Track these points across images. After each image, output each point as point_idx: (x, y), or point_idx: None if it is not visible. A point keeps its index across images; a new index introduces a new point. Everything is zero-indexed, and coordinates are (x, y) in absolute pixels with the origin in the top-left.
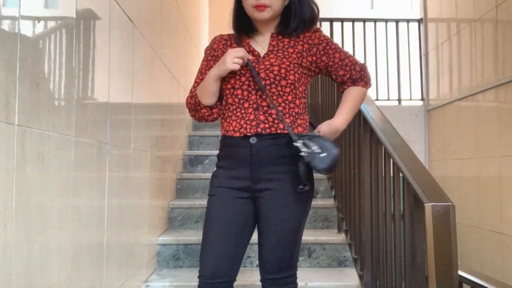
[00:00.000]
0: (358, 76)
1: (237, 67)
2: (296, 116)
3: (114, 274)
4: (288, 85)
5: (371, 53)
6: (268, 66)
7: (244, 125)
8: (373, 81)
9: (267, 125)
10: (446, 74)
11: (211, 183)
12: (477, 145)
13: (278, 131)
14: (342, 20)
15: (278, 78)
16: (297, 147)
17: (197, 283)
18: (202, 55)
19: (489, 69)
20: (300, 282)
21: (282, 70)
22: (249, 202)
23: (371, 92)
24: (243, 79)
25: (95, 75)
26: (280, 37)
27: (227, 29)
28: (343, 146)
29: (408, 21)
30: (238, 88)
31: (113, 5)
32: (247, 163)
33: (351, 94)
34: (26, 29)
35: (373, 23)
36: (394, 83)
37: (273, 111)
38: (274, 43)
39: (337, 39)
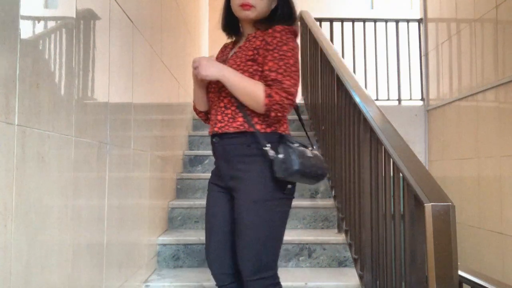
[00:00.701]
0: (269, 84)
1: (194, 76)
2: (252, 114)
3: (114, 274)
4: None
5: (371, 53)
6: None
7: (212, 125)
8: (373, 81)
9: (223, 124)
10: (446, 74)
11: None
12: (477, 145)
13: (231, 130)
14: (342, 20)
15: None
16: (265, 150)
17: (197, 283)
18: (202, 55)
19: (489, 69)
20: (300, 282)
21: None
22: (229, 199)
23: (371, 92)
24: (211, 83)
25: (95, 75)
26: (251, 37)
27: None
28: (343, 146)
29: (408, 21)
30: (210, 92)
31: (113, 5)
32: (217, 161)
33: (253, 81)
34: (26, 29)
35: (373, 23)
36: (394, 83)
37: (229, 111)
38: (242, 44)
39: (337, 39)
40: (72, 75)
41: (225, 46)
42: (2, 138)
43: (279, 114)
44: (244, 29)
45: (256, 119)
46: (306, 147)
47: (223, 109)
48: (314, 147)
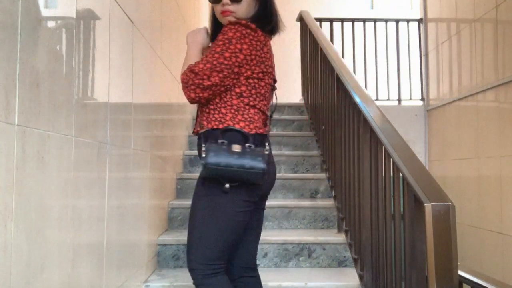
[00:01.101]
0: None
1: (206, 33)
2: (207, 115)
3: (114, 274)
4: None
5: (371, 53)
6: None
7: None
8: (373, 81)
9: (196, 123)
10: (446, 74)
11: None
12: (477, 145)
13: (195, 131)
14: (342, 20)
15: None
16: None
17: None
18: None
19: (489, 69)
20: (300, 282)
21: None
22: None
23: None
24: None
25: (95, 75)
26: None
27: None
28: (343, 146)
29: (408, 21)
30: None
31: (113, 5)
32: None
33: (189, 63)
34: (26, 29)
35: (373, 23)
36: (394, 83)
37: (199, 113)
38: None
39: (337, 39)
40: (72, 75)
41: None
42: (2, 138)
43: (192, 94)
44: None
45: (211, 117)
46: (242, 143)
47: (198, 111)
48: (249, 145)
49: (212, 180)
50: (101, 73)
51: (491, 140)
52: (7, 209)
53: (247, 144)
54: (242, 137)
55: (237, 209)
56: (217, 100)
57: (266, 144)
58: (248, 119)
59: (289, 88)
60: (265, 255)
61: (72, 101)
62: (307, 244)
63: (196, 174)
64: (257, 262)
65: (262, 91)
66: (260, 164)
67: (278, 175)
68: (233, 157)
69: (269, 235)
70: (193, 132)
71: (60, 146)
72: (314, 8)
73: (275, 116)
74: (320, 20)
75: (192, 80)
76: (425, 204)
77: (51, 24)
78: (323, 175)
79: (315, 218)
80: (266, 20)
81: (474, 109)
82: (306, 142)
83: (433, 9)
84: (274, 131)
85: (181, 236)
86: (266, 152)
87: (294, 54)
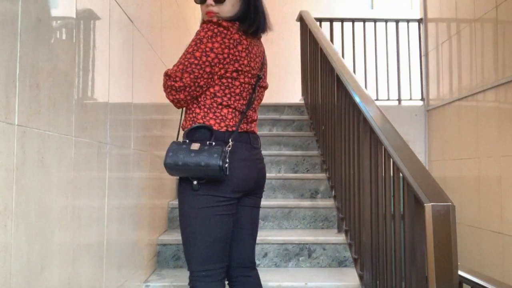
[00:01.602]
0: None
1: None
2: (186, 115)
3: (114, 274)
4: None
5: (371, 53)
6: None
7: None
8: (373, 81)
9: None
10: (446, 74)
11: None
12: (477, 145)
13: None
14: (342, 20)
15: None
16: None
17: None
18: None
19: (489, 69)
20: (300, 282)
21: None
22: None
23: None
24: None
25: (95, 75)
26: None
27: None
28: (343, 146)
29: (408, 21)
30: None
31: (113, 5)
32: None
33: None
34: (26, 29)
35: (373, 23)
36: (394, 83)
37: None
38: None
39: (337, 39)
40: (72, 75)
41: None
42: (2, 138)
43: (170, 97)
44: None
45: (187, 116)
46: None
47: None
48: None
49: (184, 180)
50: (101, 73)
51: (491, 140)
52: (7, 209)
53: (208, 142)
54: (210, 135)
55: (209, 205)
56: (194, 102)
57: (230, 140)
58: (220, 117)
59: (289, 88)
60: (265, 255)
61: (72, 101)
62: (307, 244)
63: None
64: (257, 262)
65: (237, 91)
66: (215, 161)
67: (278, 175)
68: (190, 155)
69: (269, 235)
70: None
71: (60, 146)
72: (314, 8)
73: (275, 116)
74: (320, 20)
75: (166, 83)
76: (425, 204)
77: (51, 24)
78: (323, 175)
79: (315, 218)
80: (250, 20)
81: (474, 109)
82: (306, 142)
83: (433, 9)
84: (274, 131)
85: None
86: (228, 149)
87: (294, 54)
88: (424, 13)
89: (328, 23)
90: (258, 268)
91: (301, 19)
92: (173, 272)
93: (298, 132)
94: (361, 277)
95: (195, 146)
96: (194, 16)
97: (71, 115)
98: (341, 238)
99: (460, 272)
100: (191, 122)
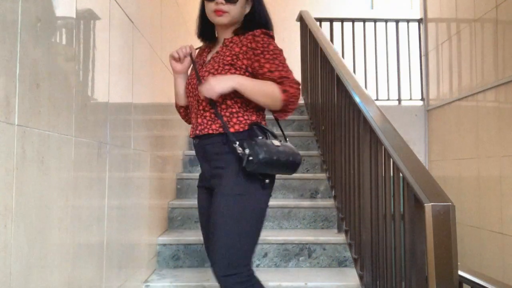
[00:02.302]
0: (279, 82)
1: (174, 55)
2: (231, 116)
3: (114, 274)
4: None
5: (371, 53)
6: (205, 74)
7: (192, 129)
8: (373, 81)
9: (202, 127)
10: (446, 74)
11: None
12: (477, 145)
13: (210, 132)
14: (342, 20)
15: None
16: (235, 147)
17: (197, 283)
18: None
19: (489, 69)
20: (300, 282)
21: (210, 75)
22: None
23: (371, 92)
24: (189, 87)
25: (95, 75)
26: (227, 42)
27: None
28: (343, 146)
29: (408, 21)
30: (189, 96)
31: (113, 5)
32: (200, 162)
33: (267, 82)
34: (26, 29)
35: (373, 23)
36: (394, 83)
37: (207, 114)
38: (219, 49)
39: (337, 39)
40: (72, 75)
41: (202, 50)
42: (2, 138)
43: (294, 106)
44: (219, 34)
45: (235, 120)
46: (276, 138)
47: (201, 112)
48: (287, 140)
49: (249, 177)
50: (101, 73)
51: (491, 140)
52: (7, 209)
53: (280, 139)
54: (264, 132)
55: (267, 204)
56: (241, 100)
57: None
58: (261, 116)
59: None
60: (265, 255)
61: (72, 101)
62: (307, 244)
63: (196, 174)
64: (257, 262)
65: None
66: (299, 156)
67: (277, 175)
68: (279, 151)
69: (269, 235)
70: (203, 134)
71: (60, 146)
72: (314, 8)
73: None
74: (320, 20)
75: (297, 92)
76: (425, 204)
77: (51, 24)
78: (323, 175)
79: (315, 218)
80: (256, 22)
81: (474, 109)
82: (306, 142)
83: (433, 9)
84: (274, 131)
85: (181, 236)
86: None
87: (294, 54)
88: (424, 13)
89: (328, 23)
90: (258, 268)
91: (301, 19)
92: (173, 272)
93: (298, 132)
94: (361, 277)
95: (276, 142)
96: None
97: (71, 115)
98: (341, 238)
99: (460, 272)
100: (248, 121)
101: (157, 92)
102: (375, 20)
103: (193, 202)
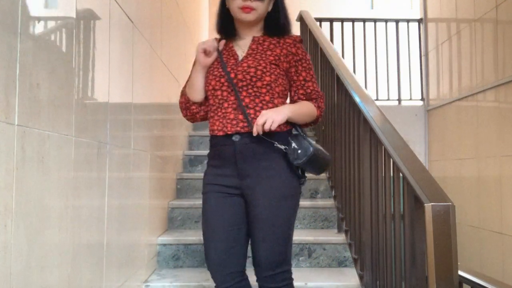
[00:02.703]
0: (314, 98)
1: (202, 46)
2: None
3: (114, 274)
4: (264, 86)
5: (371, 53)
6: (245, 68)
7: (226, 124)
8: (373, 81)
9: (245, 124)
10: (446, 74)
11: (203, 181)
12: (477, 145)
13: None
14: (342, 20)
15: (254, 79)
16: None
17: (197, 283)
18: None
19: (489, 69)
20: (300, 282)
21: (258, 72)
22: (239, 199)
23: (371, 92)
24: (222, 80)
25: (95, 75)
26: (260, 41)
27: None
28: (343, 146)
29: (408, 21)
30: (218, 89)
31: (113, 5)
32: (232, 160)
33: (303, 104)
34: (26, 29)
35: (373, 23)
36: (394, 83)
37: (251, 111)
38: (254, 46)
39: (337, 39)
40: (72, 75)
41: (225, 43)
42: (2, 138)
43: (321, 119)
44: (241, 31)
45: None
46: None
47: (244, 108)
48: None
49: (294, 177)
50: (101, 73)
51: (491, 140)
52: (7, 209)
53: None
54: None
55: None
56: (278, 103)
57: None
58: None
59: None
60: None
61: (72, 101)
62: (307, 244)
63: (196, 174)
64: None
65: None
66: (329, 157)
67: None
68: (318, 148)
69: None
70: (244, 130)
71: (60, 146)
72: (314, 8)
73: None
74: (320, 20)
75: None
76: (425, 204)
77: (51, 24)
78: (323, 175)
79: (315, 218)
80: (276, 22)
81: (474, 109)
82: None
83: (433, 9)
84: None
85: (181, 236)
86: None
87: None
88: (424, 13)
89: (328, 23)
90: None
91: (301, 19)
92: (173, 272)
93: None
94: (361, 277)
95: (312, 141)
96: (194, 16)
97: (71, 115)
98: (341, 238)
99: (460, 272)
100: (285, 124)
101: (157, 92)
102: (375, 20)
103: (193, 202)
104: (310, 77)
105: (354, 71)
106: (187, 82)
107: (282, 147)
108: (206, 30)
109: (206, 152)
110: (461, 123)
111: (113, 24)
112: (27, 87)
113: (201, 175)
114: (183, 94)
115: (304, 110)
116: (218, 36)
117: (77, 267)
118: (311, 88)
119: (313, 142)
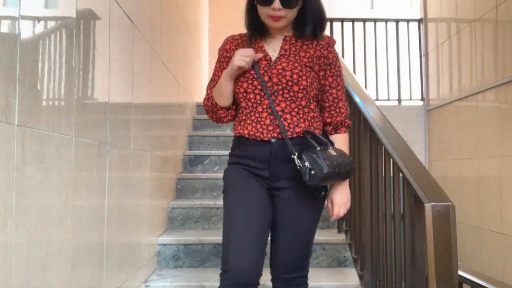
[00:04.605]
0: (339, 121)
1: (243, 63)
2: (312, 120)
3: (114, 274)
4: (301, 90)
5: (371, 53)
6: (280, 71)
7: (261, 129)
8: (373, 81)
9: (282, 130)
10: (446, 74)
11: (227, 177)
12: (477, 145)
13: (295, 135)
14: (342, 20)
15: (290, 83)
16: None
17: (197, 283)
18: (202, 55)
19: (489, 69)
20: None
21: (294, 76)
22: (269, 198)
23: (371, 92)
24: (255, 83)
25: (95, 75)
26: (293, 41)
27: (227, 28)
28: None
29: (408, 21)
30: (251, 92)
31: (113, 5)
32: (265, 162)
33: (343, 144)
34: (26, 29)
35: (373, 23)
36: (394, 83)
37: (288, 116)
38: (286, 47)
39: (337, 39)
40: (72, 75)
41: (236, 40)
42: (2, 138)
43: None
44: (271, 29)
45: (303, 125)
46: (327, 145)
47: (280, 113)
48: (334, 146)
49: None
50: (101, 73)
51: (491, 140)
52: (7, 209)
53: (332, 146)
54: (317, 141)
55: None
56: (314, 107)
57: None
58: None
59: None
60: (265, 255)
61: (72, 101)
62: None
63: (196, 174)
64: None
65: None
66: (353, 164)
67: None
68: (338, 160)
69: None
70: (281, 136)
71: (60, 146)
72: None
73: None
74: None
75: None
76: (425, 204)
77: (51, 24)
78: None
79: None
80: (303, 24)
81: (474, 109)
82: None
83: (433, 9)
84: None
85: (181, 236)
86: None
87: None
88: (424, 13)
89: (328, 23)
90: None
91: None
92: (173, 272)
93: None
94: (361, 277)
95: (332, 152)
96: (194, 16)
97: (71, 115)
98: (341, 238)
99: (460, 272)
100: (318, 130)
101: (157, 92)
102: (375, 20)
103: (193, 202)
104: (336, 84)
105: (354, 71)
106: (210, 83)
107: (297, 162)
108: (206, 30)
109: (206, 152)
110: (461, 123)
111: (113, 24)
112: (27, 87)
113: (201, 175)
114: (209, 97)
115: (348, 151)
116: (236, 33)
117: (77, 267)
118: (333, 95)
119: (333, 153)
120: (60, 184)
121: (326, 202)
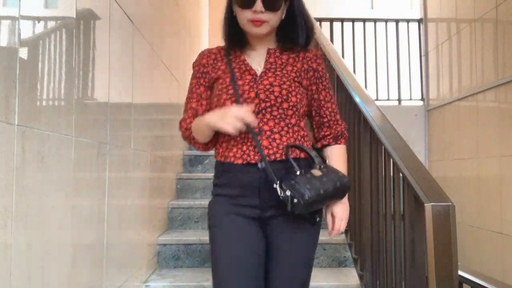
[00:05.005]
0: (339, 131)
1: (231, 130)
2: (302, 139)
3: (114, 274)
4: (290, 107)
5: (371, 53)
6: (267, 87)
7: (247, 151)
8: (373, 81)
9: (271, 151)
10: (446, 74)
11: (212, 213)
12: (477, 145)
13: (284, 157)
14: (342, 20)
15: (279, 100)
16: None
17: (197, 283)
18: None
19: (489, 69)
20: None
21: (284, 91)
22: (259, 231)
23: (371, 92)
24: (240, 100)
25: (95, 75)
26: (277, 53)
27: None
28: None
29: (408, 21)
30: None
31: (113, 5)
32: (254, 190)
33: (342, 156)
34: (26, 29)
35: (373, 23)
36: (394, 83)
37: (276, 136)
38: (271, 60)
39: (337, 39)
40: (72, 75)
41: (213, 53)
42: (2, 138)
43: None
44: (252, 41)
45: (306, 144)
46: (314, 163)
47: (268, 133)
48: (325, 161)
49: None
50: (101, 73)
51: (491, 140)
52: (7, 209)
53: (321, 165)
54: (311, 157)
55: None
56: (304, 125)
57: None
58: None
59: None
60: None
61: (72, 101)
62: None
63: (196, 174)
64: None
65: None
66: (346, 178)
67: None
68: (323, 181)
69: None
70: (270, 159)
71: (60, 146)
72: (314, 8)
73: None
74: (320, 20)
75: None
76: (425, 204)
77: (51, 24)
78: None
79: None
80: (291, 34)
81: (474, 109)
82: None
83: (433, 9)
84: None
85: (181, 236)
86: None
87: None
88: (424, 13)
89: (328, 23)
90: None
91: None
92: (173, 272)
93: None
94: (361, 277)
95: (317, 172)
96: (195, 16)
97: (71, 115)
98: (341, 238)
99: (460, 272)
100: (311, 144)
101: (157, 92)
102: (375, 20)
103: (193, 202)
104: (329, 98)
105: (354, 71)
106: (188, 103)
107: (279, 192)
108: (206, 30)
109: (206, 152)
110: (461, 123)
111: (113, 24)
112: (27, 87)
113: (201, 175)
114: (188, 128)
115: (346, 166)
116: (222, 44)
117: (77, 267)
118: (330, 109)
119: (317, 174)
120: (60, 184)
121: (324, 213)
